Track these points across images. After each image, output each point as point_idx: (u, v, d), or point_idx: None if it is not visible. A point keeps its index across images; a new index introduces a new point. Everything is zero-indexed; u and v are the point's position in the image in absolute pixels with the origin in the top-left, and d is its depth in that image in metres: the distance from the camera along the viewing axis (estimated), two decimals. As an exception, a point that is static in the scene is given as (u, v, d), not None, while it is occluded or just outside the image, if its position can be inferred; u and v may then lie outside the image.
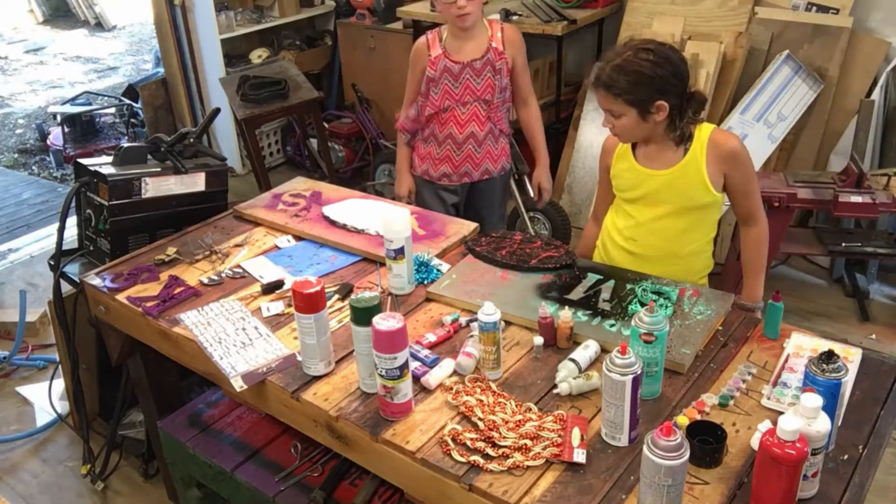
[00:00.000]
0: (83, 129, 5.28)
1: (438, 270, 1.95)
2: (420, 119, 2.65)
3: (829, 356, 1.28)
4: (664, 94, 1.79)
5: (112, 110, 5.60)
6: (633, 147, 1.96)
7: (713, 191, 1.88)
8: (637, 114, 1.81)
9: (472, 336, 1.65)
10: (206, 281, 1.99)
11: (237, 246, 2.17)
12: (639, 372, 1.31)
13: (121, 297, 1.96)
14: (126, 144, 2.42)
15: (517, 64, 2.59)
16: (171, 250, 2.12)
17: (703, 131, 1.87)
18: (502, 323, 1.58)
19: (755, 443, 1.31)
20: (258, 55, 4.90)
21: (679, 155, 1.88)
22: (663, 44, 1.85)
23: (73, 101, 5.81)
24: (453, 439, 1.39)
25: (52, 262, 2.34)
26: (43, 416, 2.89)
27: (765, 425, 1.36)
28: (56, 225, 2.36)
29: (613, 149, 2.00)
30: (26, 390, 3.06)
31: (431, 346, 1.67)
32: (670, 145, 1.88)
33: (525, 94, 2.68)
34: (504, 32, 2.56)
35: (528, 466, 1.33)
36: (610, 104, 1.83)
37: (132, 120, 5.38)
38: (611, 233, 2.06)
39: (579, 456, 1.33)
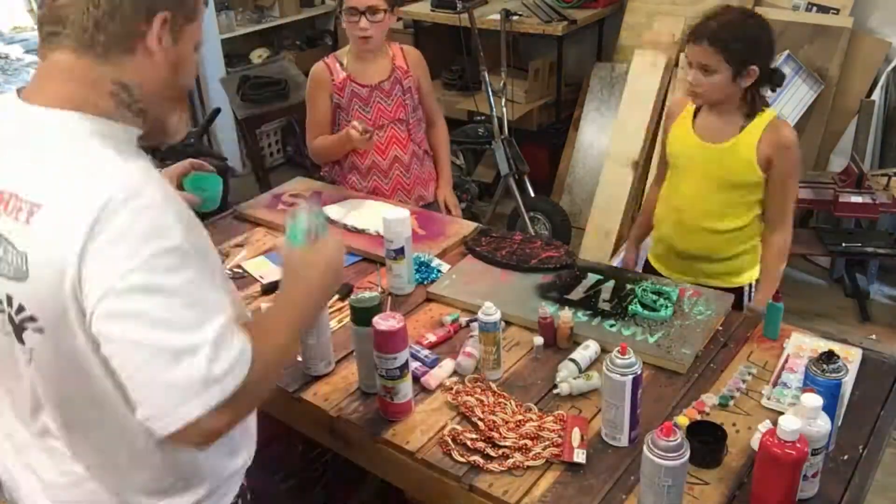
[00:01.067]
0: (83, 129, 5.27)
1: (439, 270, 1.95)
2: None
3: (830, 356, 1.28)
4: (758, 60, 1.83)
5: (112, 110, 5.59)
6: (695, 116, 1.99)
7: (758, 171, 1.90)
8: (731, 73, 1.83)
9: (472, 336, 1.65)
10: (206, 281, 1.99)
11: (237, 246, 2.17)
12: (639, 372, 1.32)
13: (121, 297, 1.95)
14: (126, 144, 2.42)
15: (422, 86, 2.47)
16: (172, 250, 2.12)
17: (767, 114, 1.91)
18: (502, 323, 1.58)
19: (755, 443, 1.31)
20: (259, 55, 4.89)
21: (736, 131, 1.91)
22: (760, 13, 1.94)
23: (73, 101, 5.80)
24: (453, 439, 1.39)
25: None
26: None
27: (765, 425, 1.36)
28: (56, 225, 2.35)
29: (677, 113, 2.04)
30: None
31: (432, 347, 1.67)
32: (734, 119, 1.91)
33: (433, 116, 2.56)
34: (406, 53, 2.46)
35: (529, 467, 1.33)
36: (708, 58, 1.82)
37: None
38: (662, 205, 2.12)
39: (579, 456, 1.33)
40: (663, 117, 2.11)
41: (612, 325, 1.68)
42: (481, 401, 1.47)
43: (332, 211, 2.24)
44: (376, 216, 2.11)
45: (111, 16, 0.98)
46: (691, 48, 1.86)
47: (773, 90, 1.94)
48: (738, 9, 1.94)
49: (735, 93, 1.87)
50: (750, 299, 2.05)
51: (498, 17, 3.80)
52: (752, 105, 1.89)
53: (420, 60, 2.49)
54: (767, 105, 1.92)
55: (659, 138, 2.18)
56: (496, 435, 1.38)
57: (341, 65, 2.41)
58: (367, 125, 2.32)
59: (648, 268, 2.17)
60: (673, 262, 2.10)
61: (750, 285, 2.08)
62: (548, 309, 1.68)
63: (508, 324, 1.72)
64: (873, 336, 3.11)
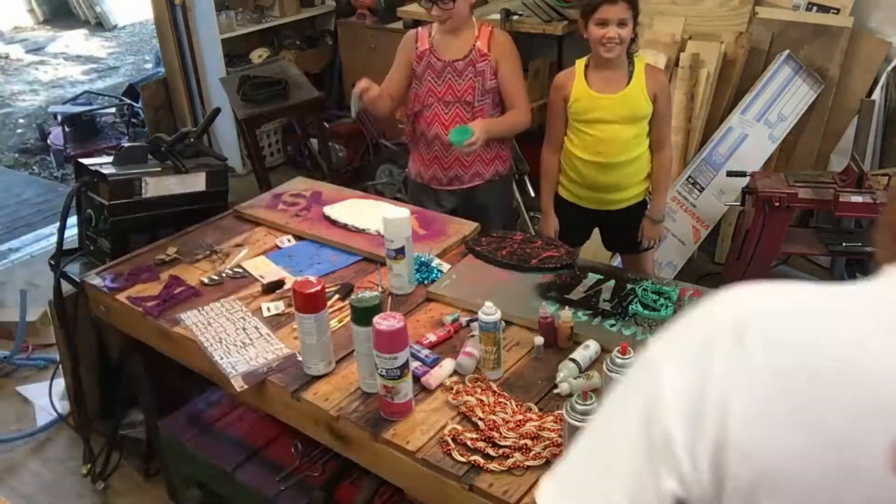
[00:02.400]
0: (84, 128, 5.28)
1: (439, 270, 1.95)
2: (412, 120, 2.64)
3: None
4: (638, 15, 2.33)
5: (112, 110, 5.59)
6: (585, 78, 2.41)
7: (650, 103, 2.38)
8: (633, 26, 2.30)
9: (472, 336, 1.65)
10: (206, 281, 1.99)
11: (237, 246, 2.17)
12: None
13: (121, 296, 1.96)
14: (126, 144, 2.43)
15: (503, 70, 2.52)
16: (172, 250, 2.12)
17: (639, 59, 2.41)
18: (503, 323, 1.58)
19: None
20: (259, 55, 4.89)
21: (623, 79, 2.37)
22: None
23: (73, 100, 5.81)
24: (453, 439, 1.39)
25: (53, 262, 2.34)
26: (43, 416, 2.89)
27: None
28: (57, 225, 2.36)
29: (568, 83, 2.44)
30: (27, 390, 3.06)
31: (432, 346, 1.67)
32: (619, 68, 2.37)
33: (512, 100, 2.59)
34: (492, 36, 2.53)
35: (529, 466, 1.33)
36: (624, 13, 2.26)
37: (133, 120, 5.38)
38: (575, 154, 2.48)
39: (580, 456, 1.32)
40: (552, 92, 2.49)
41: (612, 325, 1.68)
42: (481, 400, 1.47)
43: (332, 211, 2.24)
44: (377, 216, 2.12)
45: None
46: (609, 8, 2.25)
47: (635, 41, 2.40)
48: None
49: (626, 45, 2.32)
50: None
51: (498, 16, 3.80)
52: (630, 54, 2.37)
53: (505, 45, 2.58)
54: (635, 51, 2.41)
55: (550, 111, 2.54)
56: (496, 435, 1.38)
57: (430, 37, 2.57)
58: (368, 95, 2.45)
59: (562, 201, 2.59)
60: (587, 196, 2.52)
61: (645, 201, 2.56)
62: (548, 309, 1.68)
63: (509, 323, 1.72)
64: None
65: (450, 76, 2.52)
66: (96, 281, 2.04)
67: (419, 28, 2.62)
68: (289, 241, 2.17)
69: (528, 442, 1.36)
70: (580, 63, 2.47)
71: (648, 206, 2.55)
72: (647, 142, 2.47)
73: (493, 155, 2.67)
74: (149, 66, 7.02)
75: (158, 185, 2.26)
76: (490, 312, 1.52)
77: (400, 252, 1.82)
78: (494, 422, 1.41)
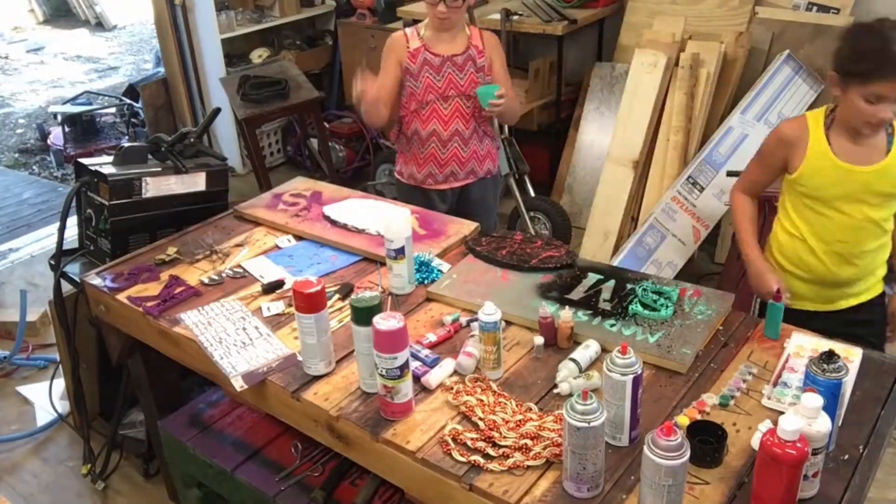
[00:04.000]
0: (84, 128, 5.28)
1: (439, 270, 1.95)
2: (401, 123, 2.64)
3: (830, 356, 1.28)
4: None
5: (112, 110, 5.59)
6: (828, 142, 1.85)
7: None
8: None
9: (472, 336, 1.65)
10: (206, 281, 1.99)
11: (237, 246, 2.17)
12: (639, 372, 1.31)
13: (121, 296, 1.96)
14: (126, 144, 2.42)
15: (496, 68, 2.60)
16: (172, 250, 2.12)
17: None
18: (503, 323, 1.58)
19: (756, 443, 1.31)
20: (259, 55, 4.90)
21: (881, 146, 1.81)
22: None
23: (73, 100, 5.81)
24: (454, 439, 1.39)
25: (53, 262, 2.35)
26: (43, 416, 2.89)
27: (765, 425, 1.36)
28: (56, 225, 2.36)
29: (798, 142, 1.87)
30: (27, 390, 3.06)
31: (432, 346, 1.67)
32: (876, 138, 1.81)
33: (507, 90, 2.62)
34: (483, 36, 2.60)
35: (529, 466, 1.33)
36: None
37: (133, 120, 5.38)
38: (810, 242, 1.93)
39: (580, 456, 1.32)
40: (773, 138, 1.95)
41: (612, 325, 1.68)
42: (481, 400, 1.47)
43: (332, 211, 2.24)
44: (377, 216, 2.12)
45: None
46: (884, 84, 1.69)
47: None
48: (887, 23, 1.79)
49: None
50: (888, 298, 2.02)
51: (498, 16, 3.80)
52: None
53: (497, 44, 2.62)
54: None
55: (763, 156, 2.00)
56: (496, 434, 1.38)
57: (419, 35, 2.56)
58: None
59: (792, 316, 1.79)
60: (821, 293, 1.98)
61: (884, 291, 2.03)
62: (548, 309, 1.68)
63: (509, 323, 1.72)
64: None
65: (450, 70, 2.54)
66: (96, 281, 2.04)
67: (405, 29, 2.61)
68: (289, 241, 2.17)
69: (529, 442, 1.36)
70: (816, 118, 1.88)
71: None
72: (893, 221, 1.92)
73: (485, 152, 2.70)
74: (149, 65, 7.01)
75: (158, 185, 2.26)
76: (490, 312, 1.52)
77: (400, 252, 1.82)
78: (494, 422, 1.41)
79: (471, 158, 2.65)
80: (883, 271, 2.00)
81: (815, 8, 3.51)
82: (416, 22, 4.28)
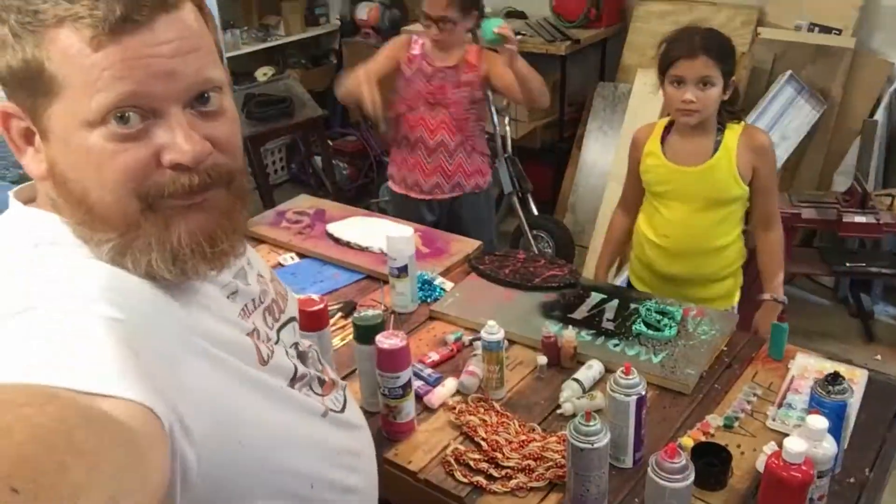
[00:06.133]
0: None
1: (442, 289, 1.95)
2: (396, 123, 2.69)
3: (835, 378, 1.27)
4: (734, 73, 1.87)
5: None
6: (663, 142, 2.00)
7: (742, 184, 1.93)
8: (722, 86, 1.85)
9: (475, 355, 1.64)
10: (209, 298, 1.99)
11: (241, 263, 2.17)
12: (643, 392, 1.31)
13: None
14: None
15: (493, 72, 2.59)
16: (175, 267, 2.12)
17: (737, 125, 1.94)
18: (506, 342, 1.58)
19: (761, 465, 1.30)
20: (263, 73, 4.92)
21: (709, 149, 1.92)
22: None
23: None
24: (456, 459, 1.38)
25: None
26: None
27: (770, 447, 1.35)
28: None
29: (643, 142, 2.03)
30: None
31: (434, 365, 1.66)
32: (704, 137, 1.93)
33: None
34: (480, 52, 2.63)
35: (532, 488, 1.32)
36: (710, 70, 1.82)
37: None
38: (644, 231, 2.10)
39: (583, 477, 1.31)
40: (630, 148, 2.11)
41: (615, 345, 1.67)
42: (484, 420, 1.46)
43: (336, 229, 2.24)
44: (380, 234, 2.12)
45: None
46: (688, 63, 1.83)
47: (735, 104, 1.97)
48: (707, 27, 1.94)
49: (716, 108, 1.90)
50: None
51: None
52: (722, 119, 1.92)
53: (495, 57, 2.61)
54: (739, 119, 1.96)
55: (629, 167, 2.15)
56: (499, 455, 1.37)
57: (422, 45, 2.60)
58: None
59: (628, 285, 2.19)
60: (656, 285, 2.10)
61: (732, 307, 2.12)
62: (551, 328, 1.67)
63: (512, 343, 1.72)
64: (878, 356, 3.10)
65: (438, 81, 2.59)
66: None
67: (413, 35, 2.68)
68: (292, 258, 2.17)
69: (532, 462, 1.35)
70: (662, 122, 2.06)
71: (765, 287, 2.09)
72: (738, 230, 2.05)
73: (473, 168, 2.73)
74: (154, 83, 7.06)
75: (162, 203, 2.27)
76: (493, 331, 1.51)
77: (403, 270, 1.82)
78: (497, 442, 1.40)
79: (456, 172, 2.68)
80: (728, 288, 2.09)
81: (817, 29, 3.52)
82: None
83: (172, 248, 0.75)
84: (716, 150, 1.91)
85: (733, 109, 1.94)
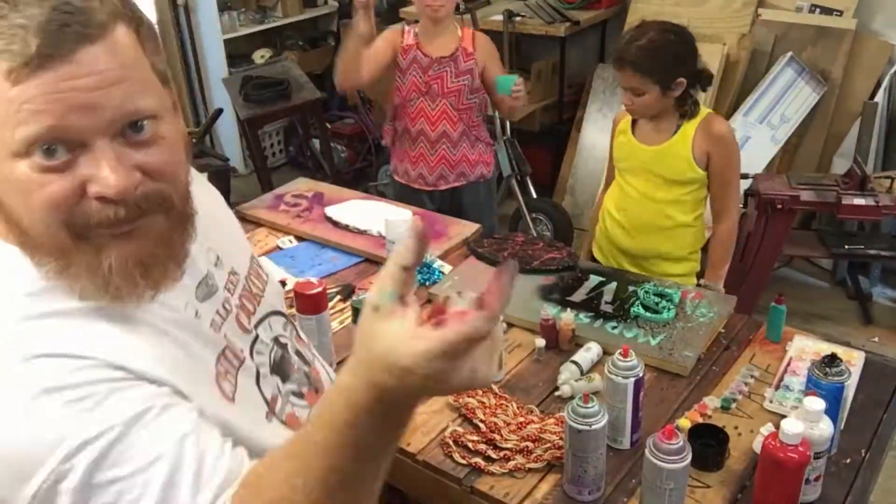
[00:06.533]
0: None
1: (440, 272, 1.95)
2: (393, 117, 2.68)
3: (832, 359, 1.27)
4: (683, 70, 1.94)
5: (115, 110, 5.60)
6: (634, 121, 2.09)
7: (696, 167, 2.01)
8: (659, 91, 1.93)
9: (473, 338, 1.64)
10: (207, 281, 1.99)
11: (239, 246, 2.17)
12: (641, 374, 1.31)
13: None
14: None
15: (490, 69, 2.59)
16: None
17: (701, 113, 2.02)
18: (504, 325, 1.58)
19: (757, 446, 1.31)
20: (261, 55, 4.89)
21: (670, 132, 2.02)
22: (677, 24, 2.01)
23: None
24: (455, 441, 1.38)
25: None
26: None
27: (767, 428, 1.36)
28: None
29: (619, 121, 2.14)
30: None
31: (433, 348, 1.66)
32: (670, 122, 2.02)
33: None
34: (475, 38, 2.60)
35: (530, 469, 1.33)
36: (636, 83, 1.93)
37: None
38: (607, 204, 2.20)
39: (581, 458, 1.32)
40: (612, 134, 2.21)
41: (614, 328, 1.67)
42: (483, 402, 1.47)
43: (334, 212, 2.24)
44: (378, 217, 2.11)
45: None
46: (618, 73, 1.96)
47: (704, 90, 2.07)
48: (655, 24, 1.99)
49: (668, 103, 1.98)
50: None
51: (501, 17, 3.79)
52: (685, 109, 2.01)
53: (488, 46, 2.63)
54: (697, 105, 2.03)
55: (610, 147, 2.24)
56: (497, 437, 1.38)
57: (415, 34, 2.58)
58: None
59: (591, 259, 2.27)
60: (613, 258, 2.19)
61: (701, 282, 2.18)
62: (549, 311, 1.67)
63: (510, 325, 1.72)
64: (876, 338, 3.10)
65: (436, 72, 2.56)
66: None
67: (404, 25, 2.65)
68: (290, 241, 2.17)
69: (530, 444, 1.36)
70: None
71: (705, 273, 2.16)
72: (696, 214, 2.12)
73: (477, 157, 2.70)
74: (151, 66, 7.02)
75: (160, 186, 2.26)
76: (491, 314, 1.51)
77: (401, 253, 1.82)
78: (496, 424, 1.40)
79: (461, 161, 2.66)
80: (684, 270, 2.15)
81: (818, 10, 3.50)
82: (417, 22, 4.29)
83: (103, 275, 0.75)
84: (674, 133, 2.02)
85: (683, 109, 2.00)
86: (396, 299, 0.64)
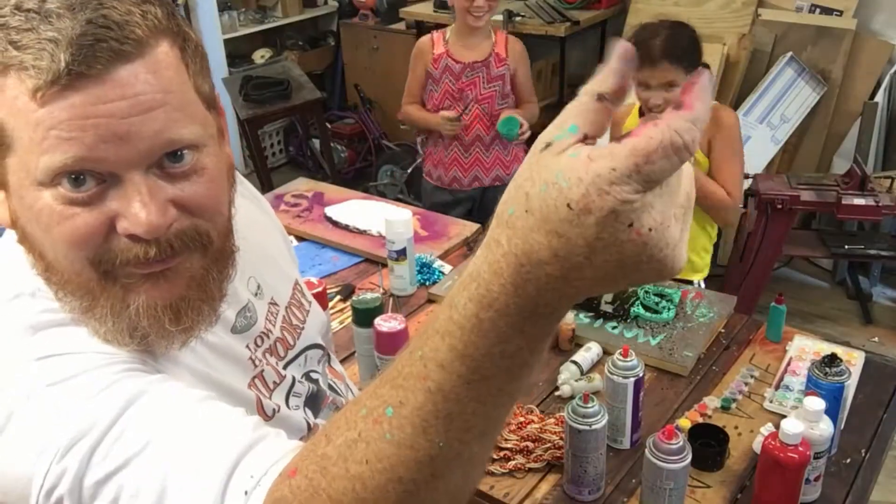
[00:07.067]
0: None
1: (440, 272, 1.95)
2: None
3: (832, 359, 1.27)
4: (701, 58, 1.95)
5: (115, 110, 5.60)
6: (641, 114, 2.06)
7: (702, 153, 2.01)
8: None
9: (473, 338, 1.65)
10: (207, 281, 1.99)
11: (239, 246, 2.17)
12: (641, 374, 1.31)
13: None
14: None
15: (519, 75, 2.64)
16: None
17: None
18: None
19: (757, 446, 1.31)
20: (261, 55, 4.89)
21: None
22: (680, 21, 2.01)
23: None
24: (455, 441, 1.38)
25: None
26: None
27: (767, 428, 1.36)
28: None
29: (619, 121, 2.08)
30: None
31: (433, 348, 1.66)
32: None
33: (525, 97, 2.73)
34: (509, 43, 2.63)
35: (530, 469, 1.33)
36: (672, 75, 1.87)
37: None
38: None
39: (581, 458, 1.32)
40: (610, 128, 2.15)
41: (613, 327, 1.67)
42: (483, 402, 1.46)
43: (334, 212, 2.24)
44: (378, 217, 2.11)
45: None
46: (650, 72, 1.88)
47: None
48: (662, 21, 2.01)
49: None
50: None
51: (501, 18, 3.79)
52: None
53: (521, 52, 2.66)
54: None
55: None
56: (498, 437, 1.37)
57: (445, 40, 2.60)
58: (457, 113, 2.55)
59: None
60: None
61: (699, 283, 2.20)
62: (550, 311, 1.67)
63: (510, 325, 1.72)
64: (876, 338, 3.10)
65: (468, 78, 2.58)
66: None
67: (432, 34, 2.67)
68: (290, 241, 2.17)
69: (530, 444, 1.36)
70: (638, 106, 2.12)
71: None
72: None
73: (511, 159, 2.73)
74: (151, 66, 7.02)
75: (160, 186, 2.26)
76: (492, 314, 1.51)
77: (401, 253, 1.82)
78: (496, 424, 1.40)
79: (494, 164, 2.69)
80: (693, 262, 2.16)
81: (818, 10, 3.50)
82: (418, 23, 4.29)
83: (130, 320, 0.69)
84: None
85: None
86: (580, 134, 0.47)
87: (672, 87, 1.90)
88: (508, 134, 2.51)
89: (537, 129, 4.39)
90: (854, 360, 1.54)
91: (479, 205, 2.78)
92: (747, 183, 2.96)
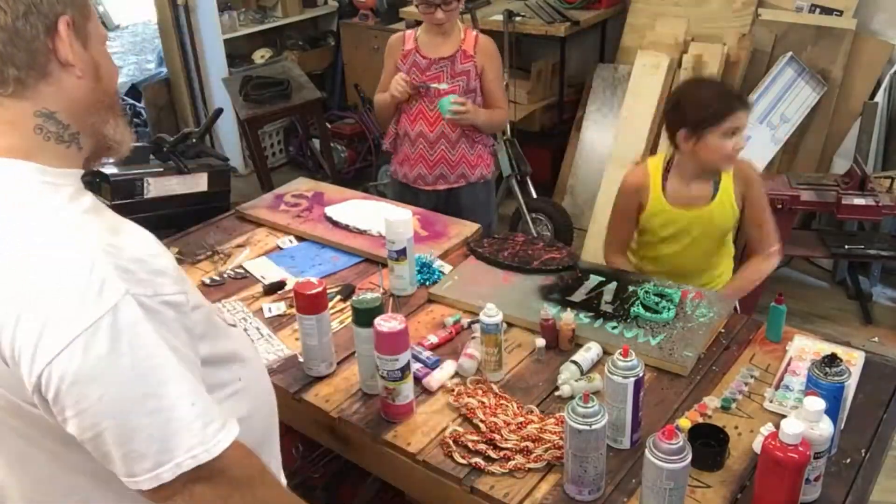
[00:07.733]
0: (86, 128, 5.27)
1: (440, 272, 1.95)
2: (396, 122, 2.69)
3: (832, 359, 1.27)
4: None
5: (115, 110, 5.59)
6: (664, 188, 2.05)
7: (737, 212, 2.05)
8: None
9: (473, 337, 1.65)
10: (207, 281, 1.99)
11: (239, 246, 2.17)
12: (641, 374, 1.31)
13: (123, 297, 1.95)
14: (129, 144, 2.42)
15: (487, 72, 2.59)
16: (174, 250, 2.12)
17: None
18: (504, 324, 1.58)
19: (757, 446, 1.31)
20: (261, 55, 4.90)
21: (708, 188, 2.02)
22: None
23: (76, 100, 5.80)
24: (455, 441, 1.38)
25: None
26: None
27: (767, 428, 1.36)
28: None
29: (642, 190, 2.07)
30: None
31: (433, 348, 1.66)
32: (702, 181, 2.02)
33: (493, 101, 2.65)
34: (478, 40, 2.60)
35: (530, 469, 1.33)
36: (746, 119, 1.95)
37: (135, 120, 5.38)
38: (640, 265, 2.17)
39: (581, 458, 1.32)
40: (622, 193, 2.13)
41: (614, 327, 1.67)
42: (483, 402, 1.47)
43: (334, 212, 2.24)
44: (378, 217, 2.11)
45: (13, 43, 0.86)
46: (734, 117, 1.90)
47: None
48: (704, 77, 2.10)
49: None
50: None
51: (501, 17, 3.79)
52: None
53: (489, 49, 2.62)
54: None
55: (619, 211, 2.15)
56: (497, 437, 1.38)
57: (415, 37, 2.60)
58: (414, 82, 2.54)
59: None
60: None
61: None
62: (549, 311, 1.67)
63: (510, 325, 1.72)
64: (876, 338, 3.10)
65: (434, 73, 2.56)
66: (98, 281, 2.03)
67: (404, 31, 2.66)
68: (290, 241, 2.17)
69: (530, 444, 1.36)
70: (656, 165, 2.08)
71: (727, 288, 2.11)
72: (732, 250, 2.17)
73: (476, 158, 2.70)
74: (151, 66, 7.01)
75: (160, 186, 2.27)
76: (491, 314, 1.52)
77: (401, 253, 1.82)
78: (496, 424, 1.40)
79: (460, 162, 2.65)
80: (718, 276, 2.15)
81: (818, 10, 3.50)
82: (418, 24, 4.29)
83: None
84: (715, 190, 2.02)
85: None
86: None
87: (742, 130, 1.95)
88: (441, 107, 2.49)
89: (537, 129, 4.40)
90: (854, 360, 1.54)
91: (444, 204, 2.74)
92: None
